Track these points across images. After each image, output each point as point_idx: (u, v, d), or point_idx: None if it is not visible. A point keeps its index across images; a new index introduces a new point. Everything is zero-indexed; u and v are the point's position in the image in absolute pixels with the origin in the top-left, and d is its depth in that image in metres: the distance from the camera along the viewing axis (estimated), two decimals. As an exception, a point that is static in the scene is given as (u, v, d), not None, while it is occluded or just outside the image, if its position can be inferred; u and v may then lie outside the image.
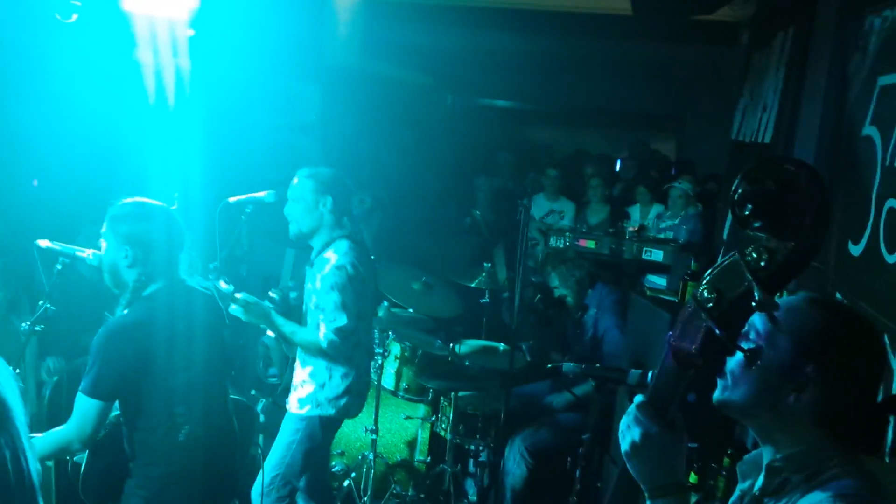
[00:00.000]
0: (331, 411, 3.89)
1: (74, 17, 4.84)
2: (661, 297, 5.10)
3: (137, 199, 3.01)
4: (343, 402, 3.91)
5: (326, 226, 3.85)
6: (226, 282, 3.52)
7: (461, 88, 10.88)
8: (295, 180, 3.88)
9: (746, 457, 1.68)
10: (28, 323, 3.18)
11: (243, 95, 7.14)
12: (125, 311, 2.93)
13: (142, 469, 2.96)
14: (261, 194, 3.96)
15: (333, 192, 3.84)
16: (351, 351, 3.87)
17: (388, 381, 4.90)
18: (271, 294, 4.05)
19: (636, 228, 6.57)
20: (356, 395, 3.99)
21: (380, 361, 4.80)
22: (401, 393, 4.89)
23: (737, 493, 1.68)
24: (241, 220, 4.12)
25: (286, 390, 4.08)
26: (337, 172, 3.96)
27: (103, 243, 3.01)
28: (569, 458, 4.31)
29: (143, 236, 2.93)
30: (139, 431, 2.94)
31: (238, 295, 3.62)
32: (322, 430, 3.93)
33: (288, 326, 3.82)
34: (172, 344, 2.89)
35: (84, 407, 2.81)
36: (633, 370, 1.91)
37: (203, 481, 3.00)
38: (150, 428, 2.92)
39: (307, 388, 3.90)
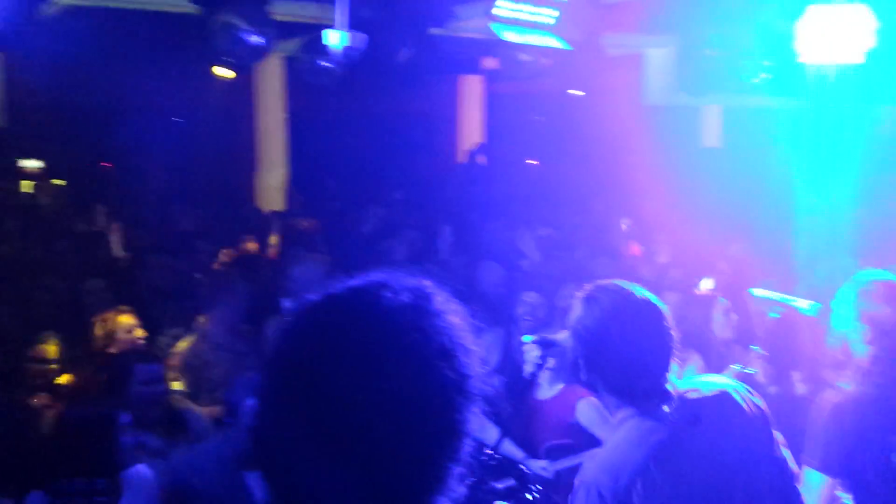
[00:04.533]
0: None
1: (762, 76, 5.21)
2: None
3: (886, 272, 2.96)
4: None
5: None
6: None
7: None
8: None
9: None
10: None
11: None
12: (852, 385, 2.88)
13: None
14: None
15: None
16: None
17: None
18: None
19: None
20: None
21: None
22: None
23: None
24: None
25: None
26: None
27: (840, 309, 2.97)
28: None
29: (881, 314, 2.85)
30: None
31: None
32: None
33: None
34: None
35: (818, 484, 2.82)
36: None
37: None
38: None
39: None
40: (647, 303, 2.11)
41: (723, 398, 2.12)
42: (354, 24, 4.10)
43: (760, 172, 8.26)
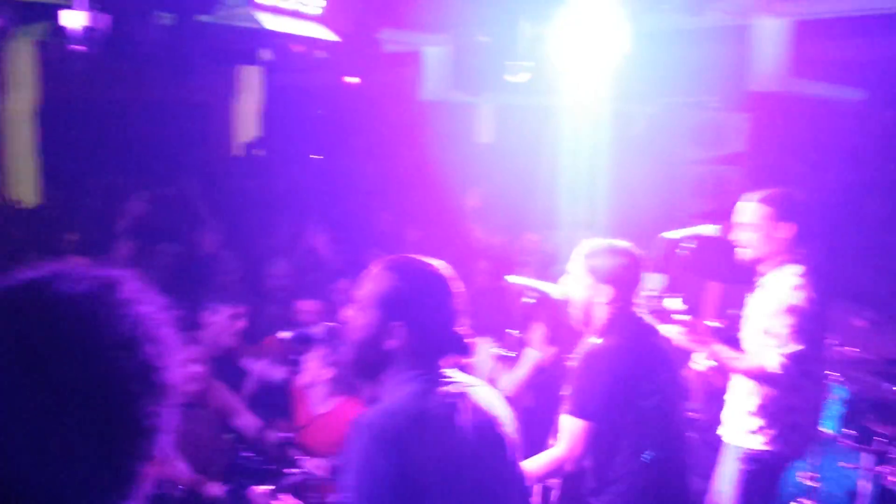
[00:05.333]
0: (775, 447, 3.75)
1: (526, 76, 5.51)
2: None
3: (605, 239, 3.28)
4: (788, 437, 3.75)
5: (782, 251, 3.75)
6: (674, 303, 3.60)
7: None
8: (749, 206, 3.81)
9: None
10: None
11: (666, 131, 7.35)
12: (601, 340, 3.16)
13: (603, 486, 3.15)
14: (704, 227, 3.98)
15: (793, 216, 3.73)
16: (799, 380, 3.69)
17: (828, 423, 4.53)
18: (708, 324, 4.02)
19: None
20: (802, 433, 3.80)
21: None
22: (841, 438, 4.51)
23: None
24: (677, 253, 4.20)
25: (710, 425, 4.02)
26: (795, 194, 3.83)
27: (574, 280, 3.26)
28: None
29: (613, 273, 3.15)
30: (605, 452, 3.11)
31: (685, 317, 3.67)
32: (766, 468, 3.79)
33: (729, 352, 3.77)
34: (644, 370, 3.09)
35: (572, 428, 3.06)
36: None
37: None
38: (618, 448, 3.09)
39: (749, 421, 3.80)
40: (437, 268, 2.19)
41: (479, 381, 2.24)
42: (103, 6, 3.80)
43: (529, 167, 8.75)
